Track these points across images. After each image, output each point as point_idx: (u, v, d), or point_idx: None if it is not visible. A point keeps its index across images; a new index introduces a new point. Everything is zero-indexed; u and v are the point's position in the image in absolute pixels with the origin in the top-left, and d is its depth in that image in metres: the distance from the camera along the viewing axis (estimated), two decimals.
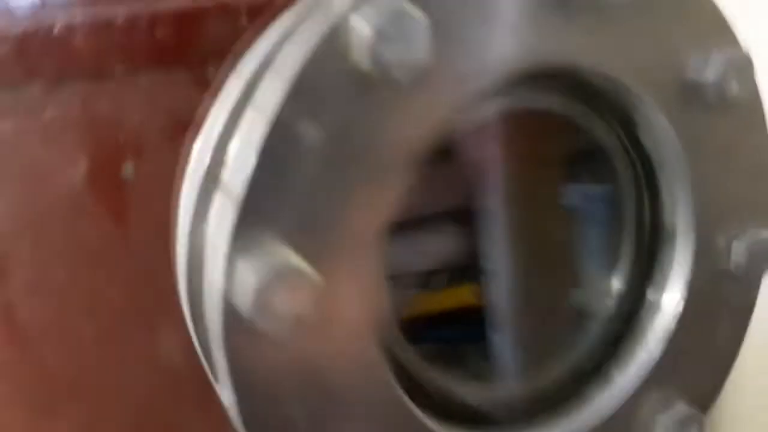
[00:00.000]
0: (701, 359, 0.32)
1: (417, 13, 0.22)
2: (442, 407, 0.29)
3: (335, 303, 0.23)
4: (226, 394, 0.24)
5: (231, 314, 0.22)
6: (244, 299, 0.22)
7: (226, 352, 0.23)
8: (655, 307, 0.32)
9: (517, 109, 0.28)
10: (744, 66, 0.29)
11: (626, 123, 0.30)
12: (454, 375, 0.30)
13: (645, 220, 0.32)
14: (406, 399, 0.26)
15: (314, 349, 0.24)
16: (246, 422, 0.24)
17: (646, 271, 0.33)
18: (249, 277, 0.21)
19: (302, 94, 0.22)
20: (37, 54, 0.32)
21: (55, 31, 0.31)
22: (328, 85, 0.22)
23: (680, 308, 0.31)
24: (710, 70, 0.29)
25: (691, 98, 0.29)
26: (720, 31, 0.29)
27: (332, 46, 0.22)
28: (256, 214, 0.22)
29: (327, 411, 0.25)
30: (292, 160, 0.22)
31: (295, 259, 0.22)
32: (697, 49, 0.29)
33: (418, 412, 0.27)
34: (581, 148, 0.32)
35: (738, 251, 0.32)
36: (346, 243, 0.23)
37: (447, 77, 0.24)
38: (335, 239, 0.23)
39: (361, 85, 0.22)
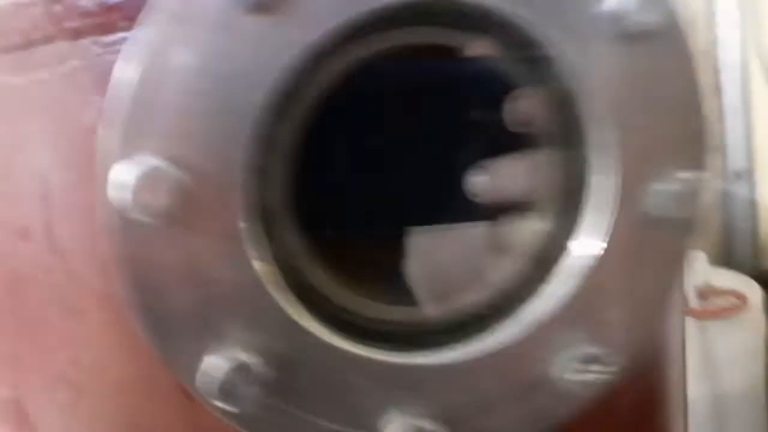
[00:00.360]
0: (618, 303, 0.32)
1: None
2: (347, 324, 0.32)
3: (200, 198, 0.27)
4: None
5: (116, 212, 0.27)
6: (124, 195, 0.27)
7: (114, 246, 0.28)
8: (573, 248, 0.32)
9: (422, 45, 0.30)
10: None
11: (542, 59, 0.31)
12: (364, 294, 0.33)
13: (570, 161, 0.33)
14: (279, 299, 0.29)
15: (187, 243, 0.28)
16: (138, 316, 0.29)
17: (569, 212, 0.33)
18: (127, 177, 0.26)
19: (171, 22, 0.26)
20: (62, 17, 0.40)
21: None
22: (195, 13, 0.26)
23: (597, 251, 0.31)
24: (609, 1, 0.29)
25: (592, 31, 0.29)
26: None
27: None
28: (138, 127, 0.27)
29: (207, 305, 0.29)
30: (163, 81, 0.27)
31: (163, 163, 0.27)
32: None
33: (295, 318, 0.30)
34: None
35: (660, 194, 0.31)
36: (211, 152, 0.27)
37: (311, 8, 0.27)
38: (199, 149, 0.27)
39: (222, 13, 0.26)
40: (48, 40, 0.40)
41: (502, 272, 0.34)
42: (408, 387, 0.31)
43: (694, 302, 1.68)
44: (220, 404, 0.29)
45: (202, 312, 0.29)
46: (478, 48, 0.30)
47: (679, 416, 0.47)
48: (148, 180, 0.26)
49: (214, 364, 0.28)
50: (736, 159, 2.19)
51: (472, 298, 0.34)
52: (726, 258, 2.26)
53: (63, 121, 0.41)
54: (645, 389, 0.43)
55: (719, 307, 1.66)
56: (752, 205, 2.23)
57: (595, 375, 0.32)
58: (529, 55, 0.30)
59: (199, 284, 0.28)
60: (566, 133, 0.32)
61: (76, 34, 0.39)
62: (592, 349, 0.31)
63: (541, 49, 0.30)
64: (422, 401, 0.31)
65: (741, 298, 1.73)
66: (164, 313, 0.29)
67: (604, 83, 0.30)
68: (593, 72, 0.30)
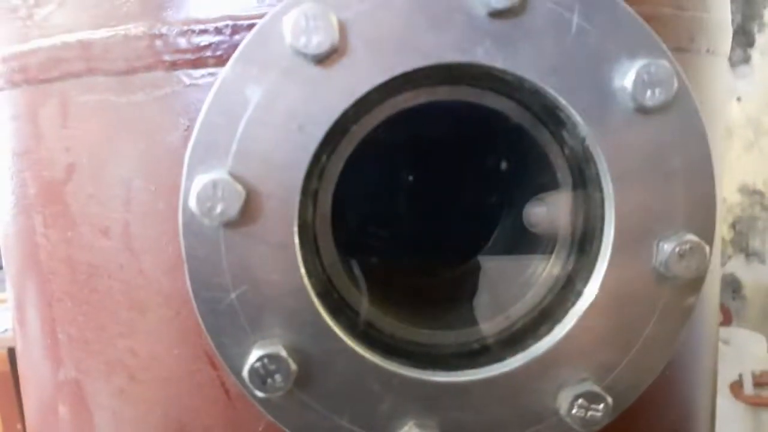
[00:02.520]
0: (620, 348, 0.35)
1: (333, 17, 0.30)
2: (375, 339, 0.36)
3: (259, 210, 0.32)
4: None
5: (187, 215, 0.33)
6: (193, 205, 0.32)
7: (186, 247, 0.33)
8: (577, 292, 0.36)
9: (458, 102, 0.35)
10: (665, 75, 0.32)
11: (554, 121, 0.35)
12: (392, 314, 0.37)
13: (579, 212, 0.36)
14: (318, 307, 0.34)
15: (246, 249, 0.33)
16: (202, 310, 0.34)
17: (577, 259, 0.36)
18: (196, 187, 0.32)
19: (249, 63, 0.32)
20: (162, 51, 0.46)
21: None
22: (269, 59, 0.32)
23: (594, 297, 0.35)
24: (629, 78, 0.33)
25: (612, 105, 0.33)
26: (644, 42, 0.33)
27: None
28: (209, 144, 0.32)
29: (257, 302, 0.34)
30: (238, 110, 0.32)
31: (228, 176, 0.32)
32: (619, 59, 0.33)
33: (331, 326, 0.34)
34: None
35: (664, 252, 0.34)
36: (271, 174, 0.32)
37: (361, 61, 0.32)
38: (263, 170, 0.32)
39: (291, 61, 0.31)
40: (148, 68, 0.46)
41: (522, 306, 0.37)
42: (424, 401, 0.35)
43: (748, 388, 1.63)
44: (256, 391, 0.33)
45: (252, 310, 0.33)
46: (508, 109, 0.35)
47: None
48: (216, 190, 0.31)
49: (255, 355, 0.33)
50: None
51: (492, 328, 0.37)
52: None
53: (151, 137, 0.47)
54: None
55: None
56: None
57: (596, 413, 0.35)
58: (554, 121, 0.34)
59: (253, 285, 0.33)
60: (585, 191, 0.36)
61: (172, 66, 0.45)
62: (594, 389, 0.34)
63: (566, 115, 0.34)
64: (436, 416, 0.35)
65: None
66: (221, 309, 0.33)
67: (619, 148, 0.34)
68: (610, 139, 0.33)
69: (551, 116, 0.35)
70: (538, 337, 0.36)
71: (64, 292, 0.52)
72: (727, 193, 2.23)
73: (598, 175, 0.34)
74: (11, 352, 1.70)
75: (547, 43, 0.32)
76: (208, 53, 0.43)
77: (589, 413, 0.34)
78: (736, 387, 1.62)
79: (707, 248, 0.34)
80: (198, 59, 0.43)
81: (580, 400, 0.34)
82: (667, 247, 0.34)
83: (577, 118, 0.33)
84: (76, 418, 0.53)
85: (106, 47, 0.44)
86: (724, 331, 1.84)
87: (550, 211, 0.38)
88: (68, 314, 0.52)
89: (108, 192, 0.47)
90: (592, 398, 0.34)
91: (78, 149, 0.47)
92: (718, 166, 0.57)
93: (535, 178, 0.38)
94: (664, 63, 0.32)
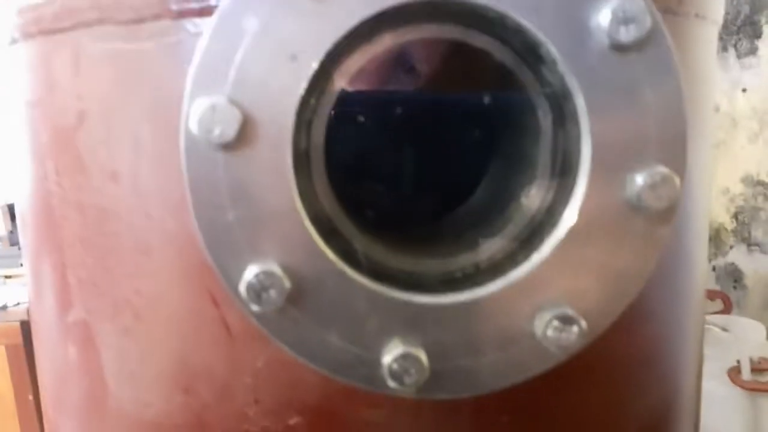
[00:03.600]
0: (595, 274, 0.37)
1: None
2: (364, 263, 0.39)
3: (254, 134, 0.35)
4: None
5: (188, 138, 0.35)
6: (194, 127, 0.34)
7: (185, 168, 0.35)
8: (556, 220, 0.38)
9: (439, 38, 0.37)
10: (639, 13, 0.34)
11: (535, 59, 0.37)
12: (380, 242, 0.40)
13: (558, 146, 0.38)
14: (309, 229, 0.36)
15: (243, 171, 0.35)
16: (202, 228, 0.36)
17: (555, 193, 0.38)
18: (196, 110, 0.34)
19: None
20: (167, 2, 0.49)
21: None
22: None
23: (570, 227, 0.37)
24: (604, 16, 0.35)
25: (589, 41, 0.35)
26: None
27: None
28: (209, 71, 0.35)
29: (253, 221, 0.36)
30: (236, 40, 0.34)
31: (226, 101, 0.34)
32: None
33: (322, 248, 0.36)
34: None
35: (637, 183, 0.36)
36: (267, 100, 0.35)
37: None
38: (260, 95, 0.35)
39: None
40: (156, 18, 0.48)
41: (503, 238, 0.39)
42: (408, 321, 0.37)
43: (746, 374, 1.64)
44: (252, 305, 0.35)
45: (248, 229, 0.36)
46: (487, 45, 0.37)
47: None
48: (214, 113, 0.33)
49: (251, 272, 0.35)
50: None
51: (475, 257, 0.39)
52: None
53: (159, 84, 0.49)
54: None
55: None
56: None
57: (570, 336, 0.37)
58: (532, 56, 0.37)
59: (249, 206, 0.35)
60: (562, 125, 0.38)
61: (179, 15, 0.48)
62: (569, 312, 0.36)
63: (545, 52, 0.36)
64: (420, 334, 0.37)
65: None
66: (219, 227, 0.36)
67: (595, 84, 0.36)
68: (587, 75, 0.36)
69: (532, 54, 0.37)
70: (516, 264, 0.38)
71: (75, 237, 0.54)
72: (731, 184, 2.24)
73: (575, 111, 0.36)
74: (24, 325, 1.75)
75: None
76: (213, 2, 0.45)
77: (564, 335, 0.37)
78: (735, 373, 1.63)
79: (677, 179, 0.36)
80: (203, 9, 0.46)
81: (554, 322, 0.36)
82: (640, 178, 0.36)
83: (556, 54, 0.35)
84: (84, 358, 0.56)
85: None
86: (723, 319, 1.85)
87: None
88: (78, 258, 0.55)
89: (117, 137, 0.50)
90: (566, 321, 0.36)
91: (89, 96, 0.50)
92: (705, 131, 0.59)
93: (518, 117, 0.40)
94: (639, 2, 0.34)
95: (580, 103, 0.36)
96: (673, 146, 0.36)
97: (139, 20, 0.48)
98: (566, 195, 0.37)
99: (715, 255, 2.28)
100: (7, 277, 2.27)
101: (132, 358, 0.54)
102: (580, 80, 0.35)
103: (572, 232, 0.37)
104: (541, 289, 0.37)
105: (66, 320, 0.57)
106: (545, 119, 0.38)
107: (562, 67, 0.36)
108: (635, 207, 0.36)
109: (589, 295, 0.37)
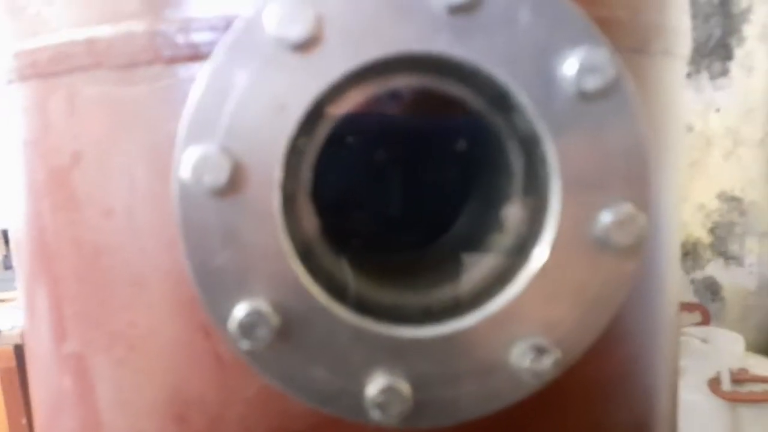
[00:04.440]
0: (567, 307, 0.39)
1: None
2: (348, 298, 0.41)
3: (244, 181, 0.37)
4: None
5: (179, 185, 0.37)
6: (186, 175, 0.36)
7: (178, 214, 0.37)
8: (528, 257, 0.40)
9: (418, 87, 0.40)
10: (604, 63, 0.37)
11: (506, 106, 0.39)
12: (365, 276, 0.42)
13: (530, 186, 0.41)
14: (296, 269, 0.38)
15: (232, 215, 0.37)
16: (193, 270, 0.38)
17: (528, 229, 0.41)
18: (188, 158, 0.36)
19: (235, 52, 0.36)
20: (161, 47, 0.51)
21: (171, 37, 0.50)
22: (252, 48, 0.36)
23: (543, 262, 0.39)
24: (571, 66, 0.37)
25: (557, 90, 0.38)
26: (585, 34, 0.37)
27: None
28: (201, 121, 0.37)
29: (242, 262, 0.38)
30: (226, 92, 0.37)
31: (218, 149, 0.36)
32: (563, 50, 0.37)
33: (309, 287, 0.38)
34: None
35: (605, 221, 0.39)
36: (256, 148, 0.37)
37: (335, 50, 0.36)
38: (247, 144, 0.37)
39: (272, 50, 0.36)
40: (149, 63, 0.51)
41: (480, 271, 0.42)
42: (391, 354, 0.39)
43: (726, 385, 1.67)
44: (241, 343, 0.37)
45: (237, 269, 0.38)
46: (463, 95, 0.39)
47: None
48: (206, 162, 0.35)
49: (240, 310, 0.37)
50: None
51: (453, 291, 0.41)
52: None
53: (152, 126, 0.51)
54: None
55: (751, 393, 1.65)
56: None
57: (544, 365, 0.39)
58: (504, 104, 0.39)
59: (239, 248, 0.38)
60: (533, 167, 0.40)
61: (171, 60, 0.50)
62: (543, 343, 0.39)
63: (516, 101, 0.38)
64: (403, 367, 0.39)
65: None
66: (210, 268, 0.38)
67: (563, 130, 0.38)
68: (555, 122, 0.38)
69: (503, 102, 0.39)
70: (493, 297, 0.40)
71: (69, 271, 0.56)
72: (706, 200, 2.30)
73: (545, 154, 0.39)
74: (17, 349, 1.75)
75: (499, 35, 0.37)
76: (204, 49, 0.47)
77: (538, 364, 0.39)
78: (715, 384, 1.66)
79: (643, 216, 0.38)
80: (195, 54, 0.48)
81: (529, 353, 0.39)
82: (607, 216, 0.38)
83: (526, 102, 0.38)
84: (78, 388, 0.58)
85: (110, 43, 0.49)
86: (703, 331, 1.89)
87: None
88: (73, 291, 0.56)
89: (112, 177, 0.52)
90: (540, 351, 0.39)
91: (84, 137, 0.52)
92: (675, 158, 0.61)
93: (492, 158, 0.42)
94: (603, 52, 0.37)
95: (550, 147, 0.38)
96: (638, 185, 0.39)
97: (133, 65, 0.50)
98: (538, 232, 0.40)
99: (693, 269, 2.33)
100: (1, 300, 2.26)
101: (126, 389, 0.55)
102: (549, 126, 0.38)
103: (544, 268, 0.39)
104: (517, 320, 0.39)
105: (61, 351, 0.59)
106: (517, 161, 0.41)
107: (532, 114, 0.38)
108: (604, 243, 0.39)
109: (562, 326, 0.39)
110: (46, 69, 0.54)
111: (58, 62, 0.53)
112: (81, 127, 0.53)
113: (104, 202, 0.53)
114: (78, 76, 0.52)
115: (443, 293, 0.42)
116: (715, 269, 2.32)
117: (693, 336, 1.83)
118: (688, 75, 2.29)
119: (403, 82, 0.39)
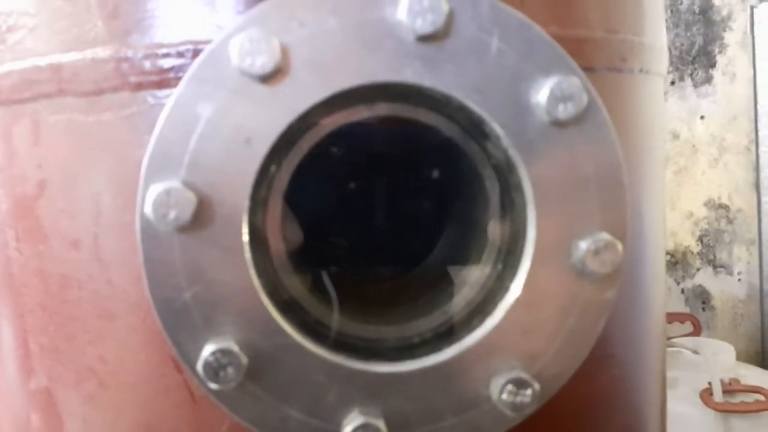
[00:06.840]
0: (544, 339, 0.38)
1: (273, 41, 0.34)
2: (321, 334, 0.39)
3: (210, 216, 0.36)
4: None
5: (143, 221, 0.36)
6: (149, 211, 0.35)
7: (143, 251, 0.36)
8: (505, 288, 0.39)
9: (391, 116, 0.39)
10: (576, 91, 0.36)
11: (480, 134, 0.38)
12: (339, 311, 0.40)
13: (506, 214, 0.40)
14: (266, 304, 0.37)
15: (198, 251, 0.36)
16: (158, 308, 0.37)
17: (505, 259, 0.40)
18: (151, 195, 0.35)
19: (200, 83, 0.35)
20: (128, 73, 0.49)
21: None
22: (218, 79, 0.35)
23: (520, 293, 0.38)
24: (543, 94, 0.36)
25: (529, 118, 0.37)
26: (557, 62, 0.37)
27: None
28: (164, 156, 0.35)
29: (210, 300, 0.37)
30: (190, 125, 0.35)
31: (181, 185, 0.35)
32: (535, 78, 0.37)
33: (280, 323, 0.37)
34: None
35: (581, 250, 0.38)
36: (222, 183, 0.36)
37: (302, 81, 0.35)
38: (213, 178, 0.36)
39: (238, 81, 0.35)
40: (115, 90, 0.49)
41: (457, 303, 0.40)
42: (367, 390, 0.38)
43: (718, 395, 1.67)
44: (210, 384, 0.36)
45: (205, 308, 0.36)
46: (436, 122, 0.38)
47: None
48: (169, 198, 0.34)
49: (207, 351, 0.36)
50: None
51: (430, 323, 0.40)
52: (760, 356, 2.25)
53: (119, 154, 0.50)
54: None
55: (743, 403, 1.65)
56: None
57: (524, 398, 0.38)
58: (480, 134, 0.38)
59: (205, 285, 0.36)
60: (509, 194, 0.39)
61: (137, 87, 0.49)
62: (523, 376, 0.37)
63: (489, 129, 0.37)
64: (379, 403, 0.38)
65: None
66: (176, 306, 0.36)
67: (536, 158, 0.37)
68: (529, 150, 0.37)
69: (477, 130, 0.38)
70: (471, 330, 0.39)
71: (36, 304, 0.54)
72: (694, 208, 2.30)
73: (520, 182, 0.38)
74: None
75: (470, 64, 0.36)
76: (171, 75, 0.46)
77: (518, 398, 0.38)
78: (706, 394, 1.66)
79: (619, 245, 0.37)
80: (162, 80, 0.47)
81: (509, 386, 0.37)
82: (583, 245, 0.37)
83: (499, 131, 0.37)
84: (47, 425, 0.56)
85: (75, 70, 0.47)
86: (694, 341, 1.89)
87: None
88: (40, 324, 0.54)
89: (78, 206, 0.50)
90: (520, 384, 0.37)
91: (49, 166, 0.51)
92: (656, 175, 0.61)
93: (468, 187, 0.41)
94: (575, 80, 0.36)
95: (524, 174, 0.37)
96: (613, 213, 0.38)
97: (99, 92, 0.49)
98: (515, 261, 0.39)
99: (683, 278, 2.33)
100: None
101: (96, 425, 0.53)
102: (523, 154, 0.37)
103: (522, 299, 0.38)
104: (495, 353, 0.38)
105: (28, 387, 0.57)
106: (493, 190, 0.40)
107: (505, 142, 0.37)
108: (580, 273, 0.38)
109: (541, 359, 0.38)
110: (10, 96, 0.53)
111: (23, 89, 0.52)
112: (46, 156, 0.51)
113: (70, 233, 0.51)
114: (43, 103, 0.51)
115: (420, 325, 0.41)
116: (704, 278, 2.32)
117: (684, 347, 1.82)
118: (672, 83, 2.30)
119: (375, 111, 0.38)
